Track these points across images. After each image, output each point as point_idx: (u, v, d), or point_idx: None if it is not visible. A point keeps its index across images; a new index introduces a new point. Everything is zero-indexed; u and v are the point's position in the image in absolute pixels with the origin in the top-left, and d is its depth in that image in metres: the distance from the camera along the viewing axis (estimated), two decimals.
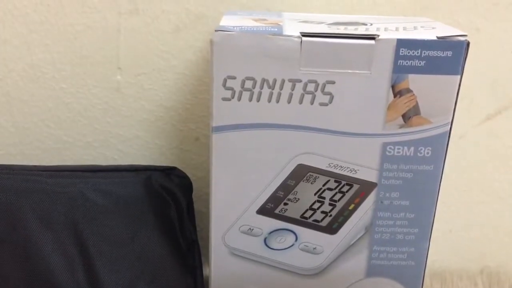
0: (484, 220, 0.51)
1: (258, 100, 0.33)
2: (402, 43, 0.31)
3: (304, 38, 0.31)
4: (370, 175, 0.34)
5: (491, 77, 0.46)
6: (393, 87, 0.32)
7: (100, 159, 0.48)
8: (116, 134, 0.47)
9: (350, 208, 0.35)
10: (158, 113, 0.47)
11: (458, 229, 0.51)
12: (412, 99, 0.32)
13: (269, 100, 0.33)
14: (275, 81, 0.32)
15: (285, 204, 0.36)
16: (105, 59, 0.45)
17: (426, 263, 0.37)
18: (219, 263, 0.38)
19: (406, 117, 0.33)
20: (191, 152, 0.48)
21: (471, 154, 0.48)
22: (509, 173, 0.49)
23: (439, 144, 0.33)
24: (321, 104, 0.33)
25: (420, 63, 0.31)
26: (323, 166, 0.35)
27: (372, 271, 0.37)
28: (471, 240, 0.52)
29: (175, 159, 0.48)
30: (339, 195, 0.35)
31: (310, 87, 0.32)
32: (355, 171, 0.34)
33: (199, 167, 0.48)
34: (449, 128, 0.33)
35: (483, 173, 0.49)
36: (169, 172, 0.41)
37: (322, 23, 0.35)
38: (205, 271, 0.42)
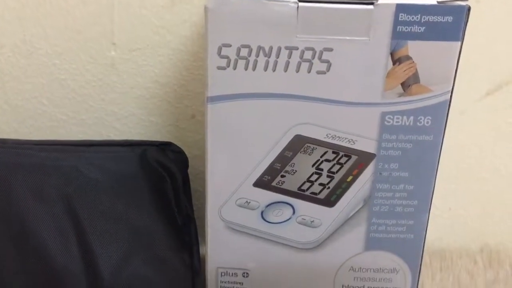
0: (484, 197, 0.50)
1: (254, 68, 0.32)
2: (401, 8, 0.30)
3: (300, 4, 0.31)
4: (368, 146, 0.34)
5: (491, 52, 0.45)
6: (392, 54, 0.31)
7: (95, 137, 0.47)
8: (111, 112, 0.46)
9: (348, 180, 0.35)
10: (153, 89, 0.46)
11: (458, 207, 0.51)
12: (412, 67, 0.32)
13: (265, 69, 0.32)
14: (271, 48, 0.32)
15: (282, 176, 0.35)
16: (99, 34, 0.44)
17: (425, 236, 0.36)
18: (215, 237, 0.37)
19: (405, 85, 0.32)
20: (187, 129, 0.47)
21: (472, 130, 0.48)
22: (510, 150, 0.48)
23: (439, 113, 0.33)
24: (319, 73, 0.32)
25: (419, 29, 0.31)
26: (321, 137, 0.34)
27: (370, 244, 0.36)
28: (471, 218, 0.51)
29: (171, 137, 0.47)
30: (337, 167, 0.35)
31: (307, 55, 0.32)
32: (353, 141, 0.34)
33: (195, 145, 0.48)
34: (449, 97, 0.32)
35: (483, 150, 0.48)
36: (164, 147, 0.40)
37: None
38: (202, 250, 0.41)
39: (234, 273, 0.38)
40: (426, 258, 0.49)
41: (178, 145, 0.43)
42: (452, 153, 0.48)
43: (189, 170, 0.43)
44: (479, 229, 0.52)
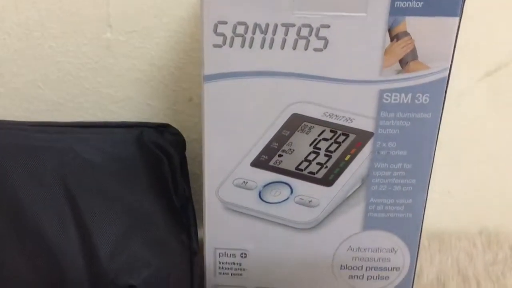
0: (483, 180, 0.50)
1: (250, 46, 0.32)
2: None
3: None
4: (366, 124, 0.33)
5: (491, 33, 0.45)
6: (389, 30, 0.31)
7: (92, 120, 0.47)
8: (108, 95, 0.46)
9: (346, 159, 0.34)
10: (150, 72, 0.46)
11: (457, 190, 0.51)
12: (410, 43, 0.31)
13: (262, 46, 0.32)
14: (267, 25, 0.31)
15: (280, 155, 0.35)
16: (94, 16, 0.44)
17: (424, 216, 0.36)
18: (213, 218, 0.37)
19: (403, 62, 0.32)
20: (184, 113, 0.47)
21: (470, 112, 0.47)
22: (510, 132, 0.48)
23: (437, 91, 0.32)
24: (316, 50, 0.32)
25: (417, 4, 0.30)
26: (319, 116, 0.34)
27: (369, 224, 0.36)
28: (470, 201, 0.51)
29: (168, 120, 0.47)
30: (335, 146, 0.34)
31: (304, 32, 0.31)
32: (351, 120, 0.33)
33: (193, 128, 0.47)
34: (447, 74, 0.32)
35: (482, 132, 0.48)
36: (161, 129, 0.40)
37: None
38: (201, 233, 0.41)
39: (232, 254, 0.38)
40: (424, 240, 0.49)
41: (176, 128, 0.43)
42: (451, 136, 0.48)
43: (187, 154, 0.43)
44: (478, 212, 0.51)
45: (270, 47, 0.32)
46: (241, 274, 0.38)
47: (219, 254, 0.38)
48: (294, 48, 0.32)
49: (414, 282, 0.38)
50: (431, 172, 0.35)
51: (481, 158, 0.49)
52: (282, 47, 0.32)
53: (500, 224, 0.51)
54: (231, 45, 0.32)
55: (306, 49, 0.32)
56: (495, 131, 0.48)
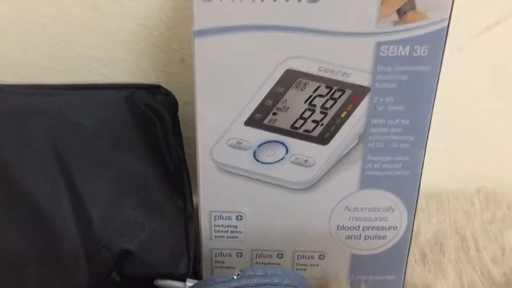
0: (481, 139, 0.50)
1: None
2: None
3: None
4: (363, 79, 0.32)
5: None
6: None
7: None
8: (97, 57, 0.45)
9: (343, 115, 0.34)
10: (140, 33, 0.44)
11: (455, 148, 0.50)
12: None
13: None
14: None
15: (274, 114, 0.34)
16: None
17: (421, 173, 0.35)
18: (207, 180, 0.36)
19: (401, 13, 0.31)
20: (176, 74, 0.46)
21: (470, 68, 0.46)
22: (509, 89, 0.47)
23: (437, 42, 0.31)
24: (310, 1, 0.30)
25: None
26: (313, 71, 0.33)
27: (366, 183, 0.35)
28: (468, 159, 0.51)
29: (160, 82, 0.46)
30: (330, 102, 0.33)
31: None
32: (347, 75, 0.32)
33: (185, 90, 0.46)
34: (447, 24, 0.31)
35: (481, 89, 0.47)
36: (153, 90, 0.39)
37: None
38: (195, 198, 0.40)
39: (228, 217, 0.37)
40: (422, 200, 0.49)
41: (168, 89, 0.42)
42: (449, 93, 0.47)
43: (180, 117, 0.42)
44: (476, 171, 0.51)
45: None
46: (237, 237, 0.38)
47: (215, 217, 0.37)
48: (287, 0, 0.30)
49: (412, 242, 0.38)
50: (429, 128, 0.34)
51: (480, 116, 0.49)
52: None
53: (498, 182, 0.51)
54: None
55: (299, 0, 0.30)
56: (495, 88, 0.47)
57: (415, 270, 0.41)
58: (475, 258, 0.43)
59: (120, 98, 0.37)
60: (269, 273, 0.31)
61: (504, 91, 0.47)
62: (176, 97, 0.43)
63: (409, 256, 0.39)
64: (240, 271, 0.31)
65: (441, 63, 0.32)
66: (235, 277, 0.30)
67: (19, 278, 0.34)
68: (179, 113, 0.42)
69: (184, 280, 0.37)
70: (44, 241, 0.34)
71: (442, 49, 0.31)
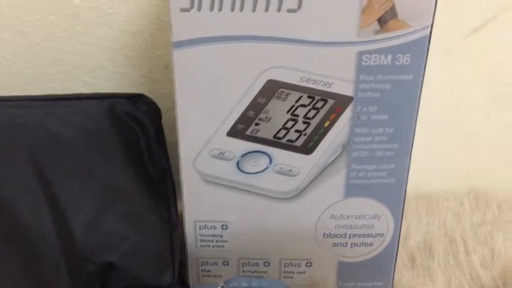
0: (471, 140, 0.49)
1: (220, 9, 0.30)
2: None
3: None
4: (345, 89, 0.32)
5: None
6: None
7: (64, 92, 0.45)
8: (79, 65, 0.44)
9: (326, 125, 0.33)
10: (123, 39, 0.44)
11: (445, 150, 0.50)
12: (389, 1, 0.29)
13: (232, 9, 0.30)
14: None
15: (257, 124, 0.33)
16: None
17: (407, 180, 0.35)
18: (191, 190, 0.36)
19: (382, 22, 0.30)
20: (160, 81, 0.45)
21: (457, 70, 0.46)
22: (498, 89, 0.47)
23: (419, 50, 0.31)
24: (289, 11, 0.30)
25: None
26: (295, 81, 0.32)
27: (351, 191, 0.35)
28: (457, 161, 0.50)
29: (144, 89, 0.45)
30: (313, 112, 0.33)
31: None
32: (329, 84, 0.32)
33: (170, 96, 0.45)
34: (429, 32, 0.30)
35: (470, 91, 0.47)
36: (135, 99, 0.38)
37: None
38: (180, 206, 0.40)
39: (213, 226, 0.37)
40: (412, 202, 0.49)
41: (152, 97, 0.41)
42: (437, 96, 0.47)
43: (165, 123, 0.41)
44: (466, 172, 0.51)
45: (241, 9, 0.30)
46: (223, 246, 0.38)
47: (200, 226, 0.37)
48: (266, 10, 0.30)
49: (401, 245, 0.38)
50: (413, 135, 0.34)
51: (469, 117, 0.48)
52: (254, 9, 0.30)
53: (489, 183, 0.51)
54: (199, 9, 0.30)
55: (279, 10, 0.30)
56: (483, 89, 0.47)
57: (403, 275, 0.41)
58: (464, 261, 0.42)
59: (101, 108, 0.37)
60: (253, 285, 0.31)
61: (493, 92, 0.47)
62: (161, 103, 0.43)
63: (398, 260, 0.39)
64: (224, 282, 0.31)
65: (424, 71, 0.31)
66: None
67: None
68: (163, 119, 0.42)
69: None
70: (25, 255, 0.34)
71: (425, 57, 0.31)
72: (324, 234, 0.37)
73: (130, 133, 0.37)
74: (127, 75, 0.45)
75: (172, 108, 0.45)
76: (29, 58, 0.44)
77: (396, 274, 0.39)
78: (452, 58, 0.45)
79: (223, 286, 0.31)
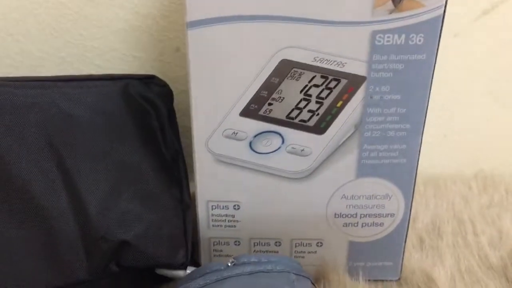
0: (479, 123, 0.50)
1: None
2: None
3: None
4: (358, 68, 0.32)
5: None
6: None
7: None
8: (91, 47, 0.44)
9: (338, 105, 0.33)
10: (134, 22, 0.44)
11: (453, 133, 0.50)
12: None
13: None
14: None
15: (270, 104, 0.34)
16: None
17: (418, 160, 0.35)
18: (204, 171, 0.36)
19: (396, 1, 0.30)
20: (172, 63, 0.46)
21: (467, 53, 0.46)
22: (507, 72, 0.47)
23: (432, 30, 0.31)
24: None
25: None
26: (308, 61, 0.32)
27: (362, 171, 0.35)
28: (465, 144, 0.50)
29: (156, 72, 0.46)
30: (326, 92, 0.33)
31: None
32: (342, 64, 0.32)
33: (181, 79, 0.46)
34: (442, 12, 0.31)
35: (479, 73, 0.47)
36: (147, 80, 0.38)
37: None
38: (192, 187, 0.40)
39: (225, 206, 0.37)
40: (420, 186, 0.49)
41: (163, 80, 0.42)
42: (447, 78, 0.47)
43: (176, 106, 0.42)
44: (474, 155, 0.51)
45: None
46: (234, 226, 0.38)
47: (212, 206, 0.37)
48: None
49: (409, 227, 0.38)
50: (425, 116, 0.34)
51: (478, 100, 0.48)
52: None
53: (496, 166, 0.51)
54: None
55: None
56: (492, 72, 0.47)
57: (412, 256, 0.41)
58: (472, 242, 0.43)
59: (115, 89, 0.37)
60: (262, 260, 0.31)
61: (502, 75, 0.47)
62: (172, 86, 0.43)
63: (407, 242, 0.39)
64: (234, 258, 0.31)
65: (437, 52, 0.32)
66: (230, 265, 0.30)
67: (17, 272, 0.34)
68: (175, 102, 0.42)
69: (184, 269, 0.37)
70: (41, 234, 0.34)
71: (438, 37, 0.31)
72: (335, 214, 0.37)
73: (144, 114, 0.37)
74: (138, 58, 0.45)
75: (184, 91, 0.46)
76: (41, 40, 0.44)
77: (405, 255, 0.40)
78: (462, 40, 0.45)
79: (233, 261, 0.31)
